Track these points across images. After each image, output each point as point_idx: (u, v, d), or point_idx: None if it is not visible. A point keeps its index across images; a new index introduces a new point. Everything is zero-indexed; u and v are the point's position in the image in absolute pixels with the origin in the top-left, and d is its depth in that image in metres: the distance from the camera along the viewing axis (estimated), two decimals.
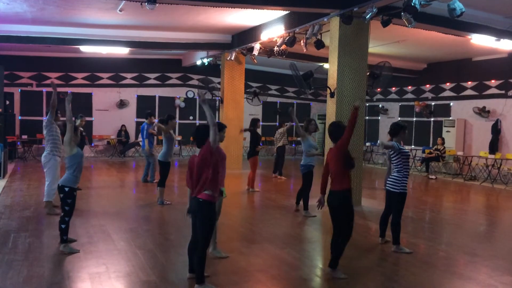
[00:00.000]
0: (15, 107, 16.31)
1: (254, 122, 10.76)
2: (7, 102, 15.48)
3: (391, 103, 18.15)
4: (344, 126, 5.09)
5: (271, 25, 11.13)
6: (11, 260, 5.17)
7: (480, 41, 10.57)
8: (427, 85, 16.65)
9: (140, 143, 13.38)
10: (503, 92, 13.92)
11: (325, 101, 9.57)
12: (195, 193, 4.40)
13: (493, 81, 14.25)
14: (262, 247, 6.05)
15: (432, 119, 16.32)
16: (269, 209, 8.59)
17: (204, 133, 4.48)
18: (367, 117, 17.87)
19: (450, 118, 15.45)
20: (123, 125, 17.47)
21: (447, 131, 15.20)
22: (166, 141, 8.64)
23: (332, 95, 8.82)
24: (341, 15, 8.31)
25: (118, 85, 17.83)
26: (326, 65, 10.20)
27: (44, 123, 7.57)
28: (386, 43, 12.48)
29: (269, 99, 18.15)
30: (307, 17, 9.60)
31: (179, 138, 17.96)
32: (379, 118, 18.69)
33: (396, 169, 5.91)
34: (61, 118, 8.20)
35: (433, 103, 16.34)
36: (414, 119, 16.98)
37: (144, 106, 16.96)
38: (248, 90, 15.17)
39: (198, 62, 15.70)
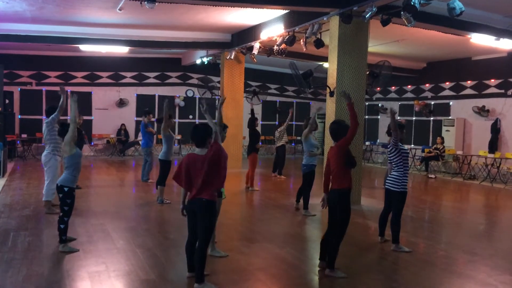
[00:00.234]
0: (15, 106, 16.30)
1: (252, 122, 10.76)
2: (7, 101, 15.47)
3: (391, 102, 18.14)
4: (345, 125, 5.09)
5: (271, 24, 11.13)
6: (10, 259, 5.18)
7: (480, 40, 10.57)
8: (427, 84, 16.66)
9: (140, 142, 13.39)
10: (502, 91, 13.93)
11: (324, 100, 9.57)
12: (199, 193, 4.37)
13: (492, 80, 14.25)
14: (261, 246, 6.06)
15: (431, 118, 16.32)
16: (269, 208, 8.59)
17: (203, 133, 4.49)
18: (366, 116, 17.85)
19: (450, 117, 15.46)
20: (122, 124, 17.48)
21: (447, 130, 15.21)
22: (166, 140, 8.64)
23: (331, 94, 8.82)
24: (341, 14, 8.31)
25: (117, 84, 17.83)
26: (325, 64, 10.19)
27: (45, 123, 7.54)
28: (385, 42, 12.48)
29: (269, 98, 18.17)
30: (306, 16, 9.60)
31: (179, 137, 17.96)
32: (379, 117, 18.70)
33: (396, 168, 5.91)
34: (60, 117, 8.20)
35: (432, 102, 16.34)
36: (414, 118, 16.99)
37: (144, 105, 16.96)
38: (247, 89, 15.17)
39: (198, 61, 15.70)
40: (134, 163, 15.52)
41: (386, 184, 6.06)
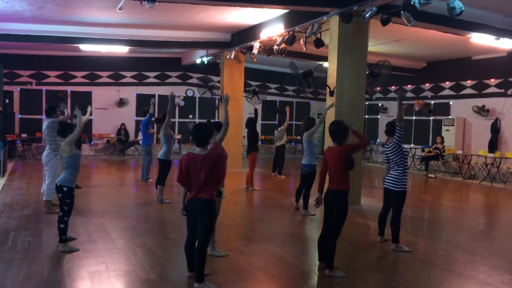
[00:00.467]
0: (15, 106, 16.30)
1: (251, 121, 10.75)
2: (7, 101, 15.47)
3: (391, 102, 18.15)
4: (344, 125, 5.09)
5: (271, 24, 11.13)
6: (10, 259, 5.18)
7: (480, 40, 10.57)
8: (427, 84, 16.66)
9: (140, 142, 13.39)
10: (502, 91, 13.93)
11: (324, 100, 9.57)
12: (198, 193, 4.38)
13: (492, 80, 14.25)
14: (261, 245, 6.06)
15: (431, 118, 16.32)
16: (269, 207, 8.60)
17: (204, 133, 4.48)
18: (366, 116, 17.86)
19: (450, 117, 15.46)
20: (122, 124, 17.48)
21: (447, 130, 15.21)
22: (167, 139, 8.64)
23: (331, 93, 8.81)
24: (341, 14, 8.31)
25: (117, 84, 17.83)
26: (325, 64, 10.19)
27: (47, 124, 7.52)
28: (385, 42, 12.48)
29: (269, 97, 18.17)
30: (306, 16, 9.60)
31: (179, 136, 17.97)
32: (379, 116, 18.70)
33: (396, 167, 5.91)
34: (61, 117, 8.22)
35: (432, 102, 16.34)
36: (414, 117, 16.99)
37: (144, 104, 16.95)
38: (247, 88, 15.17)
39: (198, 61, 15.69)
40: (134, 163, 15.52)
41: (385, 183, 6.05)
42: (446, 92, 15.92)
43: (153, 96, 18.00)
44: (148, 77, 18.28)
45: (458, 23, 9.37)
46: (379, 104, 18.50)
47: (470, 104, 14.78)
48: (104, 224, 6.88)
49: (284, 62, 13.32)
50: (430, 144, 15.91)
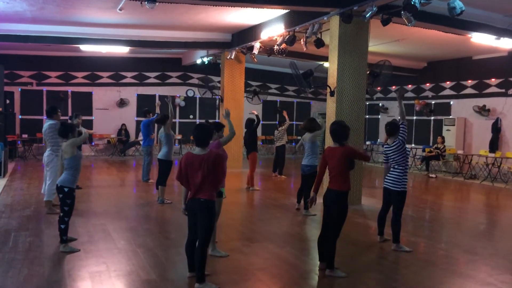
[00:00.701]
0: (15, 106, 16.31)
1: (251, 122, 10.76)
2: (7, 101, 15.49)
3: (391, 102, 18.14)
4: (345, 125, 5.09)
5: (271, 24, 11.13)
6: (11, 259, 5.19)
7: (480, 39, 10.57)
8: (427, 84, 16.65)
9: (141, 142, 13.39)
10: (503, 90, 13.92)
11: (325, 100, 9.57)
12: (197, 193, 4.38)
13: (493, 79, 14.24)
14: (262, 246, 6.06)
15: (432, 117, 16.31)
16: (269, 208, 8.59)
17: (205, 134, 4.49)
18: (367, 116, 17.87)
19: (450, 116, 15.45)
20: (123, 124, 17.49)
21: (447, 130, 15.20)
22: (168, 140, 8.65)
23: (332, 94, 8.82)
24: (341, 14, 8.31)
25: (118, 84, 17.84)
26: (326, 64, 10.19)
27: (49, 125, 7.51)
28: (386, 42, 12.47)
29: (269, 98, 18.17)
30: (307, 16, 9.59)
31: (179, 137, 17.97)
32: (379, 116, 18.70)
33: (397, 167, 5.89)
34: (62, 117, 8.22)
35: (433, 102, 16.33)
36: (414, 117, 16.98)
37: (144, 105, 16.96)
38: (248, 89, 15.16)
39: (198, 61, 15.70)
40: (134, 163, 15.52)
41: (385, 183, 6.04)
42: (447, 92, 15.91)
43: (153, 96, 18.04)
44: (149, 77, 18.28)
45: (459, 23, 9.36)
46: (380, 104, 18.50)
47: (471, 104, 14.77)
48: (104, 224, 6.88)
49: (284, 62, 13.31)
50: (431, 144, 15.91)
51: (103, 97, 17.54)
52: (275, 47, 11.52)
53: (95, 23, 12.02)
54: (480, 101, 14.50)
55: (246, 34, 12.66)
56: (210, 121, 6.97)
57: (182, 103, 18.44)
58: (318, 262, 5.18)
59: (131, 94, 17.94)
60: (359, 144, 8.96)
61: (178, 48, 15.02)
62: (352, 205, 8.16)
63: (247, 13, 10.64)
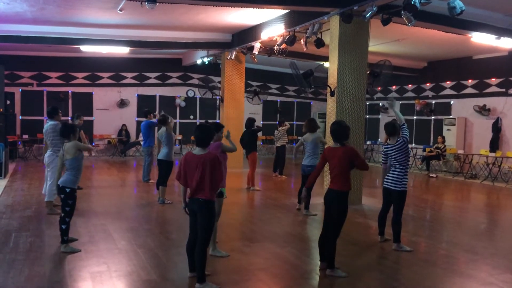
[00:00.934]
0: (16, 107, 16.31)
1: (251, 122, 10.77)
2: (8, 102, 15.49)
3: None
4: (346, 125, 5.09)
5: (271, 24, 11.13)
6: (12, 260, 5.19)
7: (481, 39, 10.56)
8: (428, 84, 16.65)
9: (141, 143, 13.40)
10: (503, 90, 13.91)
11: (325, 100, 9.58)
12: (196, 193, 4.38)
13: (493, 79, 14.24)
14: (263, 246, 6.06)
15: (432, 117, 16.31)
16: (270, 208, 8.60)
17: (205, 134, 4.50)
18: (367, 116, 17.87)
19: (451, 116, 15.45)
20: (123, 125, 17.49)
21: (448, 130, 15.19)
22: (169, 140, 8.66)
23: (332, 94, 8.82)
24: (341, 14, 8.31)
25: (118, 85, 17.84)
26: (326, 64, 10.19)
27: (51, 126, 7.51)
28: (386, 42, 12.47)
29: (270, 98, 18.17)
30: (307, 16, 9.60)
31: (180, 137, 17.97)
32: (380, 116, 18.70)
33: (398, 166, 5.89)
34: (62, 118, 8.23)
35: (433, 102, 16.33)
36: (415, 117, 16.98)
37: (145, 105, 16.97)
38: (248, 89, 15.17)
39: (199, 61, 15.70)
40: (135, 164, 15.53)
41: (386, 183, 6.04)
42: (447, 91, 15.91)
43: (154, 96, 18.06)
44: (149, 77, 18.29)
45: (459, 23, 9.36)
46: (380, 104, 18.50)
47: (471, 104, 14.77)
48: (105, 224, 6.89)
49: (284, 63, 13.32)
50: (431, 143, 15.90)
51: (103, 97, 17.55)
52: (275, 47, 11.52)
53: (95, 23, 12.03)
54: (481, 101, 14.49)
55: (246, 34, 12.66)
56: (210, 121, 7.00)
57: (183, 104, 18.45)
58: (319, 262, 5.18)
59: (131, 94, 17.95)
60: (359, 144, 8.96)
61: (178, 49, 15.03)
62: (353, 205, 8.17)
63: (247, 13, 10.64)
